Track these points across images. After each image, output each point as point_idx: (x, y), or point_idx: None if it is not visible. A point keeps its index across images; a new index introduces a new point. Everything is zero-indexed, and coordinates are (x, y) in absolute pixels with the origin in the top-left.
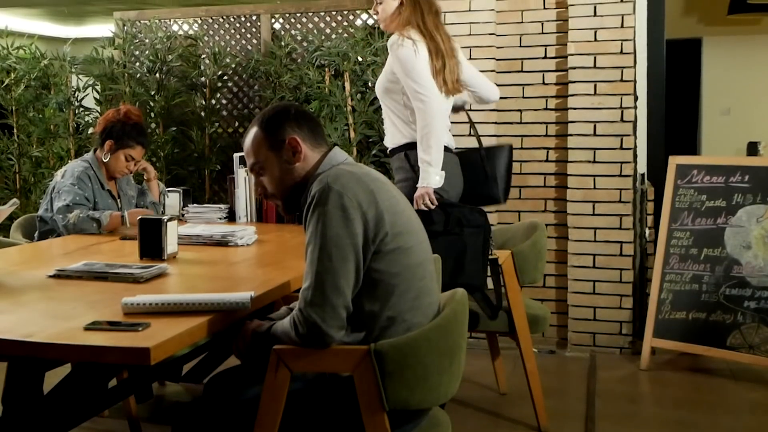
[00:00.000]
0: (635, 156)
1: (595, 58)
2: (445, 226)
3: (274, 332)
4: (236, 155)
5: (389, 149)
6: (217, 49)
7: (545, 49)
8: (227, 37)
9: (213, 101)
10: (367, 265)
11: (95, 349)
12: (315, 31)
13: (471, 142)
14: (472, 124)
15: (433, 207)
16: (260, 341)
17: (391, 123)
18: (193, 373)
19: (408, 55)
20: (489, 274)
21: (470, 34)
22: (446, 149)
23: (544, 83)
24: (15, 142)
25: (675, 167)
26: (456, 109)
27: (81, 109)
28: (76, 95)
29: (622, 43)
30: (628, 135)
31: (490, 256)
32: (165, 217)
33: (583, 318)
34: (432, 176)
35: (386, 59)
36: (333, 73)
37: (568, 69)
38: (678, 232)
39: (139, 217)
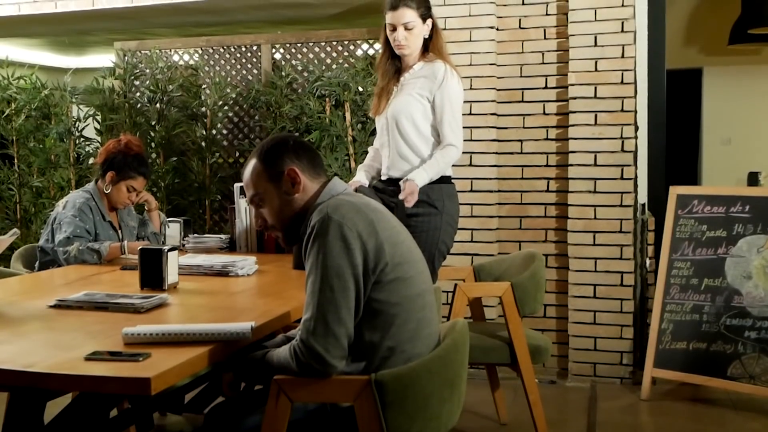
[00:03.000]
0: (636, 186)
1: (595, 88)
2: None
3: (268, 360)
4: (237, 185)
5: (398, 178)
6: (217, 79)
7: (546, 79)
8: (228, 67)
9: (213, 131)
10: (368, 295)
11: (96, 379)
12: (316, 61)
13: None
14: None
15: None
16: (254, 368)
17: (413, 152)
18: (194, 403)
19: (460, 90)
20: None
21: (471, 65)
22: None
23: (544, 113)
24: (15, 172)
25: (675, 197)
26: None
27: (81, 139)
28: (76, 125)
29: (622, 73)
30: (629, 165)
31: None
32: (166, 248)
33: (583, 348)
34: (426, 180)
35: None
36: (333, 103)
37: (569, 99)
38: (678, 262)
39: (140, 247)
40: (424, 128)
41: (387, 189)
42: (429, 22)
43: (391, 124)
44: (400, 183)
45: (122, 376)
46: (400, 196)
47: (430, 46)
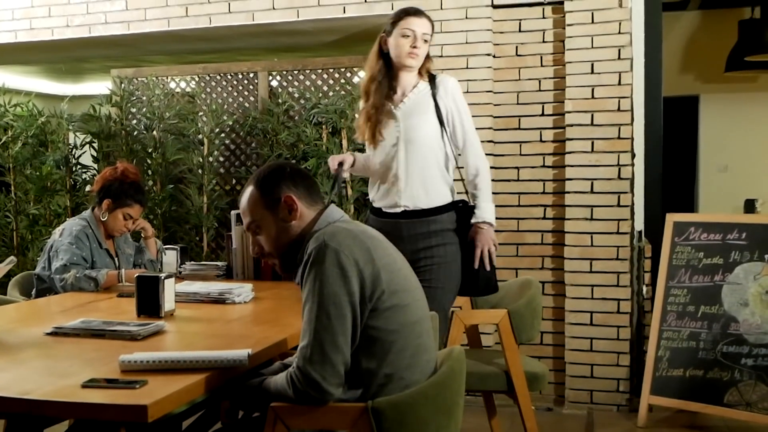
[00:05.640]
0: (633, 213)
1: (592, 115)
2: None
3: (266, 387)
4: (233, 212)
5: (431, 208)
6: (214, 107)
7: (542, 106)
8: (224, 95)
9: (210, 158)
10: (364, 322)
11: (92, 407)
12: (312, 88)
13: None
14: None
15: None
16: (252, 396)
17: (441, 177)
18: (191, 430)
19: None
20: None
21: (468, 92)
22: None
23: (541, 140)
24: (12, 200)
25: (672, 224)
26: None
27: (78, 166)
28: (73, 153)
29: (619, 101)
30: (626, 192)
31: None
32: (162, 275)
33: (580, 375)
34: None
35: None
36: (330, 130)
37: (566, 126)
38: (675, 290)
39: (137, 274)
40: (441, 152)
41: (416, 222)
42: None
43: (410, 150)
44: (478, 228)
45: (119, 404)
46: (483, 250)
47: (427, 66)
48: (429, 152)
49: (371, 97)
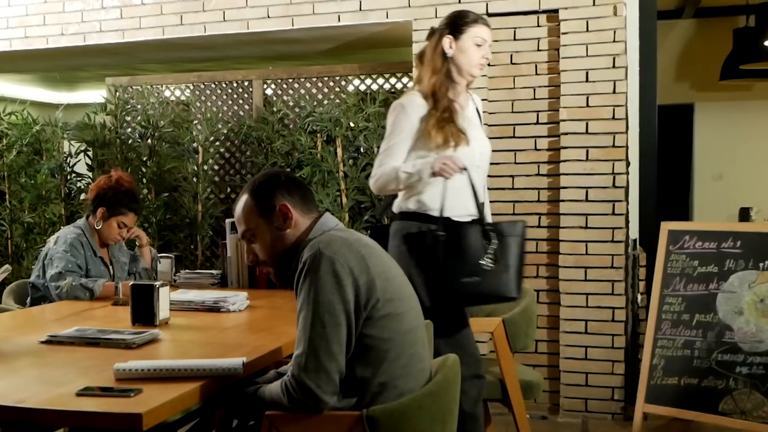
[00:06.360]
0: (627, 222)
1: (587, 123)
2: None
3: (260, 395)
4: (228, 221)
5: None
6: (209, 115)
7: (537, 114)
8: (219, 103)
9: (205, 167)
10: (359, 330)
11: (87, 415)
12: (307, 96)
13: None
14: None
15: None
16: (247, 404)
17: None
18: None
19: None
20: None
21: None
22: None
23: (536, 149)
24: (7, 208)
25: (667, 233)
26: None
27: (73, 174)
28: (68, 161)
29: (614, 109)
30: (620, 201)
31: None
32: (157, 283)
33: (575, 384)
34: None
35: (378, 124)
36: (325, 138)
37: (560, 135)
38: (670, 298)
39: (132, 283)
40: (488, 166)
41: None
42: None
43: (482, 162)
44: None
45: (114, 412)
46: None
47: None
48: (486, 165)
49: (441, 100)
